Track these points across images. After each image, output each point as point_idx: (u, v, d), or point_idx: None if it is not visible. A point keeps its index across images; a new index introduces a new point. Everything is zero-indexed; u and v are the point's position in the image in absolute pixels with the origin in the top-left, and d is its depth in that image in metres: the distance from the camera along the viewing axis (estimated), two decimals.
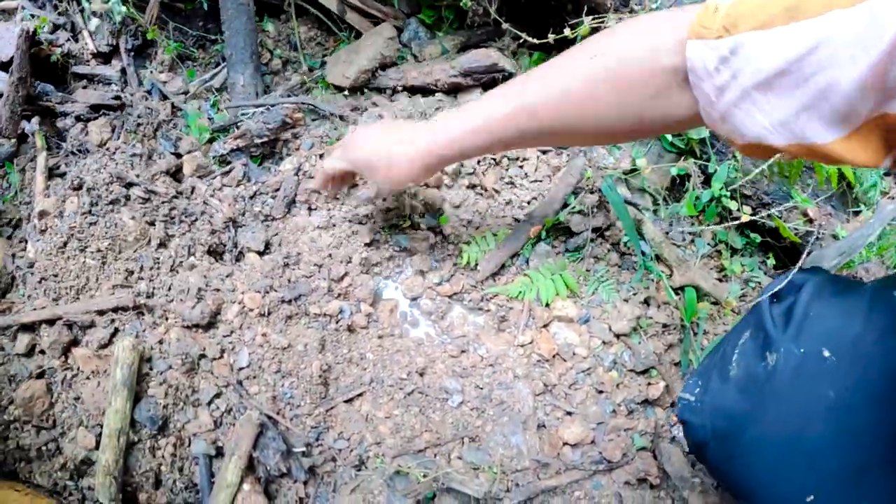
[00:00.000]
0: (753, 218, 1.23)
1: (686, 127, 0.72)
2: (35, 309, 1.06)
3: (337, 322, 1.07)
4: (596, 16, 1.11)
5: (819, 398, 0.63)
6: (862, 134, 0.54)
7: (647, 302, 1.17)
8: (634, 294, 1.16)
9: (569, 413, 1.07)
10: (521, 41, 1.19)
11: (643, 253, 1.18)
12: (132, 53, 1.26)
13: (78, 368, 1.03)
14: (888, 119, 0.52)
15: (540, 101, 0.74)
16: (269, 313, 1.05)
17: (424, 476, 0.97)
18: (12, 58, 1.12)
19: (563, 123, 0.75)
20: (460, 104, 1.21)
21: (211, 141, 1.17)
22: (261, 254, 1.12)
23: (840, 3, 0.50)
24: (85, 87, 1.26)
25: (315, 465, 0.98)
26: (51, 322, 1.05)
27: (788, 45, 0.53)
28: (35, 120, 1.20)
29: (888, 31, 0.47)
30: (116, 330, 1.05)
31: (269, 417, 0.99)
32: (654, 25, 0.65)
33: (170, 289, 1.06)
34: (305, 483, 0.97)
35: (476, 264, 1.13)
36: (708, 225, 1.24)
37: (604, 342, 1.12)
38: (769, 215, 1.22)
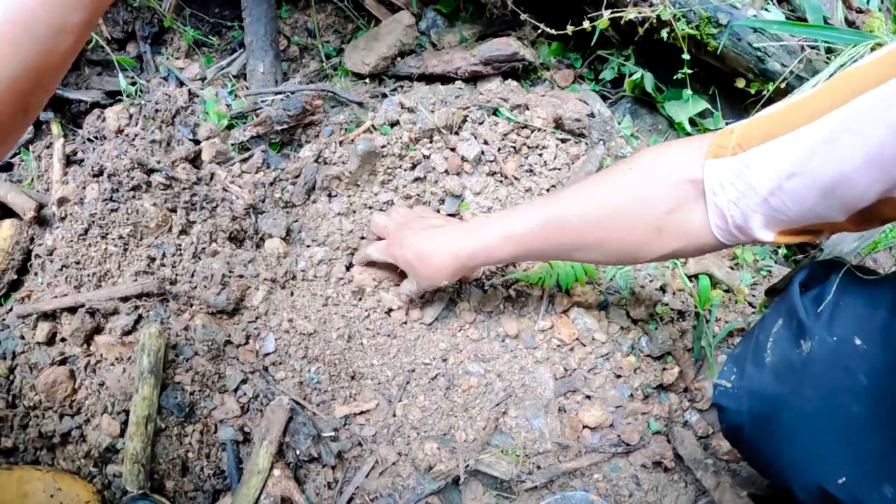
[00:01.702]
0: None
1: (698, 248, 0.76)
2: (56, 297, 1.06)
3: (361, 308, 1.08)
4: (615, 9, 1.12)
5: (853, 383, 0.66)
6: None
7: (662, 289, 1.19)
8: (651, 281, 1.18)
9: (588, 397, 1.09)
10: (539, 31, 1.20)
11: None
12: (149, 41, 1.25)
13: (101, 355, 1.03)
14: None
15: (576, 214, 0.81)
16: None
17: (452, 459, 0.98)
18: None
19: (589, 239, 0.81)
20: (477, 90, 1.22)
21: (229, 128, 1.16)
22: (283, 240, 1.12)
23: (829, 108, 0.56)
24: (100, 74, 1.25)
25: (343, 450, 0.99)
26: (72, 310, 1.05)
27: (790, 151, 0.59)
28: (49, 107, 1.19)
29: (880, 122, 0.52)
30: (140, 317, 1.04)
31: (297, 403, 0.99)
32: (684, 145, 0.73)
33: (193, 275, 1.06)
34: (334, 468, 0.98)
35: None
36: None
37: (622, 328, 1.14)
38: None
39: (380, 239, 1.08)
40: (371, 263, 1.10)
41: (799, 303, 0.72)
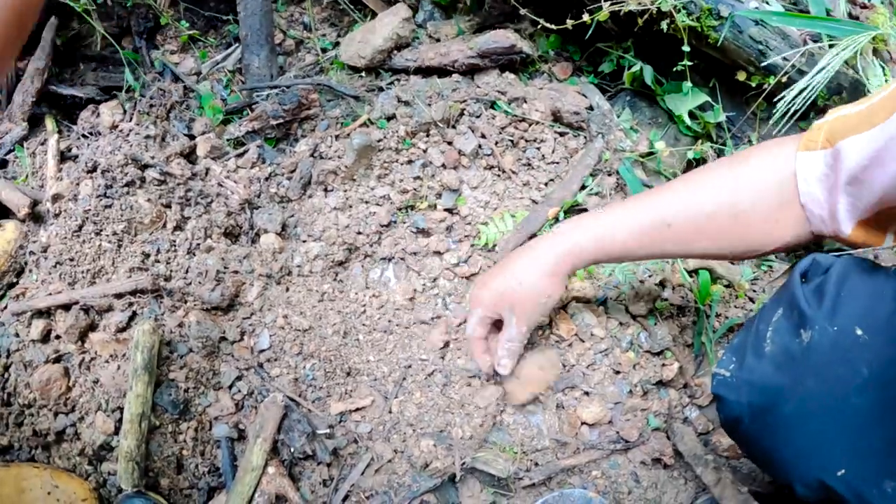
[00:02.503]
0: None
1: (800, 243, 0.79)
2: (50, 294, 1.05)
3: (358, 303, 1.07)
4: (614, 2, 1.10)
5: (854, 374, 0.65)
6: None
7: (662, 284, 1.18)
8: (650, 276, 1.17)
9: (587, 393, 1.08)
10: (538, 25, 1.18)
11: None
12: (144, 36, 1.24)
13: (96, 353, 1.03)
14: None
15: (680, 216, 0.81)
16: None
17: (448, 456, 0.97)
18: None
19: (699, 238, 0.81)
20: (475, 83, 1.20)
21: (225, 122, 1.16)
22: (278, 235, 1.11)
23: None
24: (95, 70, 1.24)
25: (338, 447, 0.98)
26: (67, 307, 1.04)
27: (867, 145, 0.65)
28: (44, 103, 1.18)
29: None
30: (134, 313, 1.04)
31: (292, 400, 0.99)
32: (782, 144, 0.77)
33: (187, 271, 1.05)
34: (329, 465, 0.97)
35: (494, 245, 1.13)
36: None
37: (621, 323, 1.13)
38: None
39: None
40: (484, 339, 0.98)
41: (800, 292, 0.71)
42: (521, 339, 0.95)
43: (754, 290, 1.23)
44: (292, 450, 0.95)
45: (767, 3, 1.16)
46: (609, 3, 1.10)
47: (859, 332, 0.65)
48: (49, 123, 1.17)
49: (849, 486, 0.65)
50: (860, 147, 0.65)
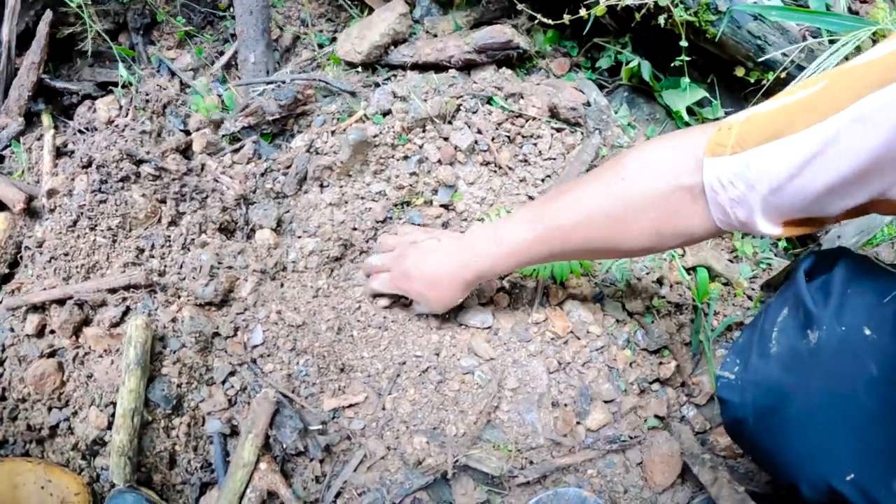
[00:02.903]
0: None
1: (698, 240, 0.77)
2: (45, 289, 1.05)
3: (352, 300, 1.07)
4: None
5: (863, 372, 0.64)
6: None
7: (659, 281, 1.17)
8: (647, 273, 1.16)
9: (582, 391, 1.07)
10: (535, 20, 1.18)
11: None
12: (140, 32, 1.24)
13: (89, 347, 1.02)
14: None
15: (571, 224, 0.81)
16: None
17: (441, 454, 0.96)
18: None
19: (591, 243, 0.81)
20: (471, 79, 1.20)
21: (221, 118, 1.15)
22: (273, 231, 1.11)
23: (832, 110, 0.55)
24: (91, 66, 1.24)
25: (331, 444, 0.98)
26: (61, 302, 1.04)
27: (792, 153, 0.58)
28: (41, 99, 1.18)
29: (883, 127, 0.52)
30: (128, 308, 1.03)
31: (285, 396, 0.98)
32: (676, 145, 0.72)
33: (182, 267, 1.05)
34: (322, 461, 0.97)
35: None
36: None
37: (617, 321, 1.12)
38: None
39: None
40: (378, 295, 1.09)
41: (805, 291, 0.70)
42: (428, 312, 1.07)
43: (752, 289, 1.21)
44: (284, 446, 0.94)
45: None
46: None
47: (867, 331, 0.65)
48: (45, 119, 1.17)
49: (858, 489, 0.64)
50: (780, 155, 0.60)
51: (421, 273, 0.98)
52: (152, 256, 1.06)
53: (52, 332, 1.05)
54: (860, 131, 0.53)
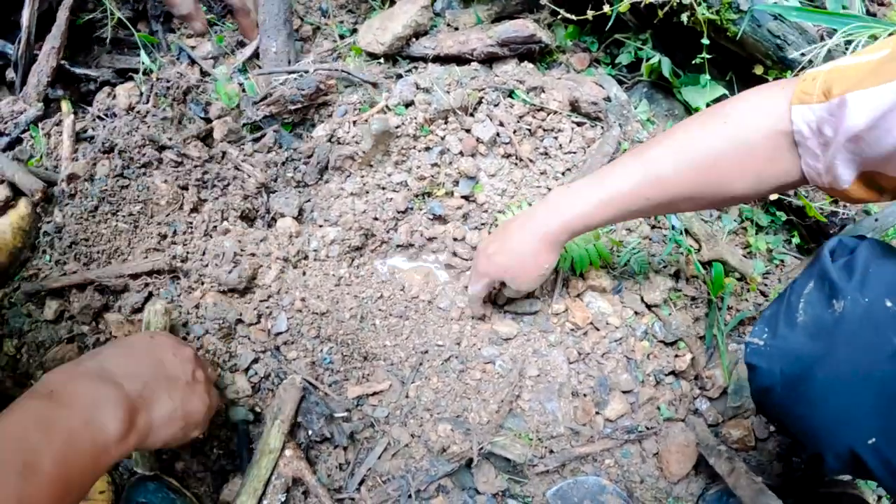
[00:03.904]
0: (780, 196, 1.25)
1: (792, 187, 0.81)
2: (65, 274, 1.04)
3: (374, 289, 1.07)
4: None
5: (885, 343, 0.65)
6: None
7: (676, 275, 1.18)
8: (665, 266, 1.17)
9: (602, 382, 1.08)
10: (557, 15, 1.18)
11: (673, 227, 1.19)
12: (160, 19, 1.23)
13: (110, 333, 1.02)
14: None
15: (671, 171, 0.80)
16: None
17: (466, 441, 0.97)
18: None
19: (695, 189, 0.81)
20: (493, 72, 1.20)
21: (241, 106, 1.15)
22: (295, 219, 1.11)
23: None
24: (110, 53, 1.24)
25: (356, 431, 0.98)
26: (81, 287, 1.04)
27: (873, 104, 0.61)
28: (59, 84, 1.17)
29: None
30: (150, 294, 1.03)
31: (309, 383, 0.98)
32: (772, 94, 0.75)
33: (204, 253, 1.05)
34: (346, 449, 0.97)
35: None
36: None
37: (636, 312, 1.13)
38: (795, 193, 1.24)
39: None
40: (482, 298, 1.06)
41: (830, 265, 0.73)
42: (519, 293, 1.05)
43: (765, 284, 1.23)
44: (310, 433, 0.94)
45: None
46: None
47: (889, 303, 0.66)
48: (64, 105, 1.16)
49: (878, 454, 0.65)
50: (866, 104, 0.62)
51: (500, 246, 0.95)
52: (174, 243, 1.05)
53: (72, 317, 1.04)
54: None
